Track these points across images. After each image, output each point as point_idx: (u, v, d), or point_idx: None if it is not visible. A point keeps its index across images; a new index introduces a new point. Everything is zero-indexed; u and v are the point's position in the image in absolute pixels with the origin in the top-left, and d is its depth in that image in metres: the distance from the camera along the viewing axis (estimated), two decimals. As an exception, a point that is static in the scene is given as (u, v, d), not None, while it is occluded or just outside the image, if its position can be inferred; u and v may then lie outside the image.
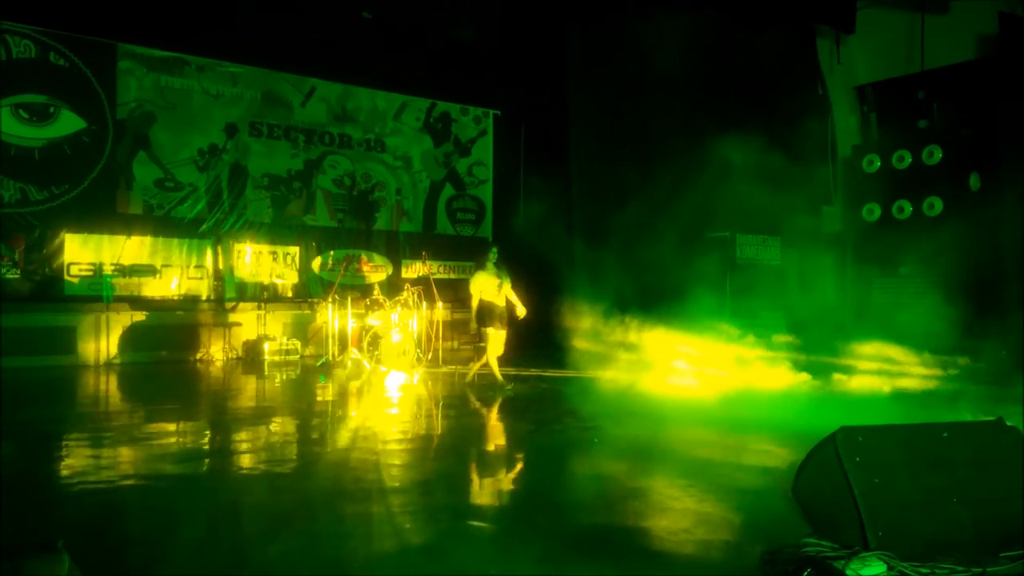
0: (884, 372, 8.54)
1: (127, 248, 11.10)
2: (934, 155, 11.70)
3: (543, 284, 10.58)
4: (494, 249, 8.96)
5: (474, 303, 8.78)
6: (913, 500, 3.42)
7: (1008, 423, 3.83)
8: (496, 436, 6.71)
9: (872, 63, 13.59)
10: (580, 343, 9.65)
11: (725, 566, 3.34)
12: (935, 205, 11.63)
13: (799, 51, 13.61)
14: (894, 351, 8.87)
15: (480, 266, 8.87)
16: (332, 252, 12.90)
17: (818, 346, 9.71)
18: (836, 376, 8.71)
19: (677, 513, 4.05)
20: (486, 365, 8.92)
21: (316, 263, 12.72)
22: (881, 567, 3.04)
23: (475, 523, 4.07)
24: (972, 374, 8.50)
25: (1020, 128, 11.11)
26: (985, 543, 3.35)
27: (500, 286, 8.73)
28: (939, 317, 9.34)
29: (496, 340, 8.69)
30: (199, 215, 11.67)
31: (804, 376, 8.82)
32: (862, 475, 3.36)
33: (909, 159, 11.98)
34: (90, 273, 10.84)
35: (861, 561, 3.04)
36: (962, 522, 3.42)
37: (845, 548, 3.22)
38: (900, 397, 7.55)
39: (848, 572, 2.93)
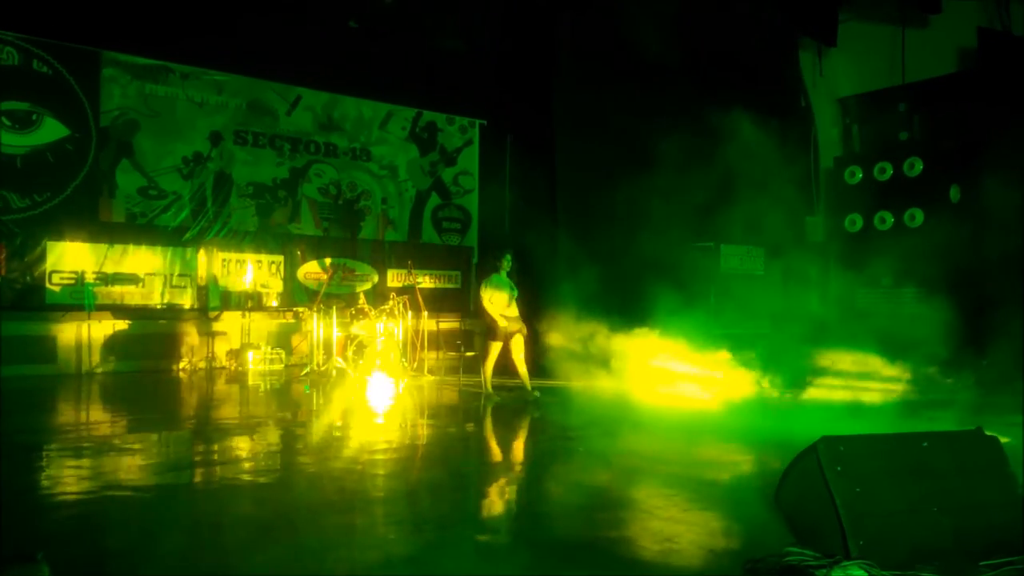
0: (865, 382, 8.60)
1: (109, 256, 11.02)
2: (915, 167, 11.85)
3: (528, 293, 10.58)
4: (508, 256, 8.46)
5: (491, 310, 8.33)
6: (894, 509, 3.45)
7: (987, 432, 3.88)
8: (481, 446, 6.70)
9: (854, 75, 13.76)
10: (565, 352, 9.65)
11: (709, 575, 3.36)
12: (916, 216, 11.77)
13: (782, 63, 13.74)
14: (875, 361, 8.93)
15: (494, 271, 8.44)
16: (317, 260, 12.85)
17: (800, 356, 9.76)
18: (818, 386, 8.76)
19: (661, 522, 4.06)
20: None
21: (301, 272, 12.68)
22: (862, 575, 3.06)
23: (460, 533, 4.06)
24: (953, 383, 8.57)
25: (1000, 140, 11.26)
26: (966, 551, 3.39)
27: (512, 296, 8.34)
28: (920, 327, 9.42)
29: (517, 346, 8.34)
30: (183, 223, 11.61)
31: (786, 386, 8.86)
32: (844, 484, 3.39)
33: (891, 171, 12.12)
34: (72, 281, 10.75)
35: (842, 570, 3.06)
36: (943, 531, 3.46)
37: (827, 557, 3.24)
38: (881, 407, 7.60)
39: (830, 581, 2.95)
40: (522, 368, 8.55)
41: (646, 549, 3.67)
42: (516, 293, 8.48)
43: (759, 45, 12.85)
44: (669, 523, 4.04)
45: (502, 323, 8.28)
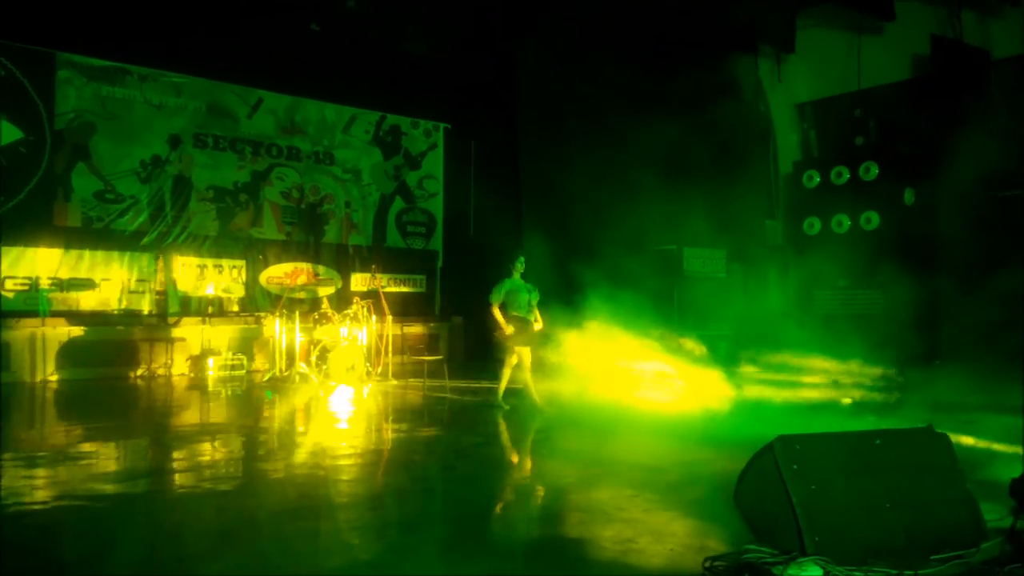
0: (821, 382, 8.77)
1: (65, 261, 10.79)
2: (870, 171, 12.13)
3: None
4: (521, 259, 8.25)
5: (495, 312, 8.01)
6: (848, 506, 3.53)
7: (937, 430, 3.98)
8: (444, 450, 6.69)
9: (812, 82, 14.03)
10: (510, 357, 9.64)
11: (668, 574, 3.40)
12: (872, 219, 12.04)
13: (742, 70, 13.95)
14: (831, 362, 9.10)
15: (507, 275, 8.17)
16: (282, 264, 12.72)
17: (759, 357, 9.92)
18: (776, 387, 8.89)
19: (622, 523, 4.09)
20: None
21: (263, 276, 12.54)
22: (817, 571, 3.12)
23: (423, 537, 4.06)
24: (907, 383, 8.77)
25: (952, 145, 11.55)
26: (916, 546, 3.47)
27: (529, 300, 8.03)
28: (875, 328, 9.63)
29: (523, 356, 8.05)
30: (140, 227, 11.42)
31: (746, 387, 8.98)
32: (799, 482, 3.45)
33: (847, 175, 12.39)
34: (26, 287, 10.51)
35: (798, 566, 3.13)
36: (895, 526, 3.54)
37: (784, 553, 3.31)
38: (836, 406, 7.74)
39: (785, 577, 3.01)
40: (505, 378, 8.26)
41: (607, 549, 3.70)
42: (536, 295, 8.19)
43: (720, 51, 13.03)
44: (630, 524, 4.08)
45: (508, 329, 8.01)
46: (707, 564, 3.27)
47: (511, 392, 8.35)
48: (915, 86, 12.53)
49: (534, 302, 8.19)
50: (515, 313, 8.08)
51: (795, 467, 3.49)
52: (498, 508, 4.71)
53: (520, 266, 8.24)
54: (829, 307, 12.24)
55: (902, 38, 12.78)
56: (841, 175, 12.42)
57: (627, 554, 3.63)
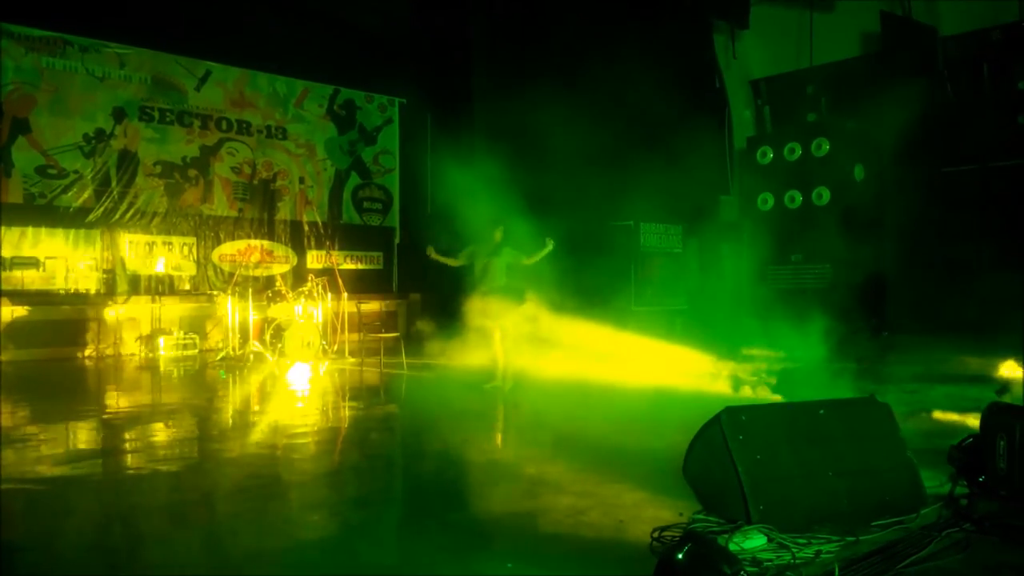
0: (769, 355, 8.90)
1: (7, 239, 10.46)
2: (822, 147, 12.32)
3: (449, 274, 10.54)
4: (500, 228, 7.84)
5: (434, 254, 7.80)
6: (793, 475, 3.61)
7: (879, 399, 4.08)
8: (400, 427, 6.68)
9: (765, 58, 14.17)
10: (484, 333, 9.64)
11: (618, 545, 3.44)
12: (823, 195, 12.24)
13: (697, 45, 14.01)
14: (783, 334, 9.24)
15: (485, 243, 7.79)
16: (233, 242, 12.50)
17: (712, 332, 10.05)
18: (726, 361, 9.00)
19: (574, 497, 4.14)
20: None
21: (215, 253, 12.31)
22: (761, 539, 3.19)
23: (376, 515, 4.06)
24: (851, 353, 8.95)
25: (901, 121, 11.78)
26: (859, 513, 3.57)
27: (503, 268, 7.65)
28: (824, 301, 9.81)
29: (500, 332, 7.68)
30: (85, 204, 11.10)
31: (698, 363, 9.09)
32: (745, 452, 3.52)
33: (799, 151, 12.56)
34: (-34, 266, 10.18)
35: (743, 534, 3.19)
36: (838, 494, 3.63)
37: (730, 523, 3.37)
38: (785, 376, 7.86)
39: (731, 546, 3.06)
40: (496, 356, 7.90)
41: (559, 523, 3.74)
42: (521, 258, 7.75)
43: (675, 26, 13.06)
44: (582, 497, 4.12)
45: (496, 294, 7.65)
46: (655, 534, 3.32)
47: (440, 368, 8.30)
48: (865, 63, 12.73)
49: (524, 260, 7.83)
50: (491, 284, 7.81)
51: (741, 438, 3.55)
52: (453, 485, 4.71)
53: (498, 235, 7.88)
54: (782, 282, 12.46)
55: (853, 15, 12.96)
56: (794, 151, 12.59)
57: (578, 526, 3.67)
